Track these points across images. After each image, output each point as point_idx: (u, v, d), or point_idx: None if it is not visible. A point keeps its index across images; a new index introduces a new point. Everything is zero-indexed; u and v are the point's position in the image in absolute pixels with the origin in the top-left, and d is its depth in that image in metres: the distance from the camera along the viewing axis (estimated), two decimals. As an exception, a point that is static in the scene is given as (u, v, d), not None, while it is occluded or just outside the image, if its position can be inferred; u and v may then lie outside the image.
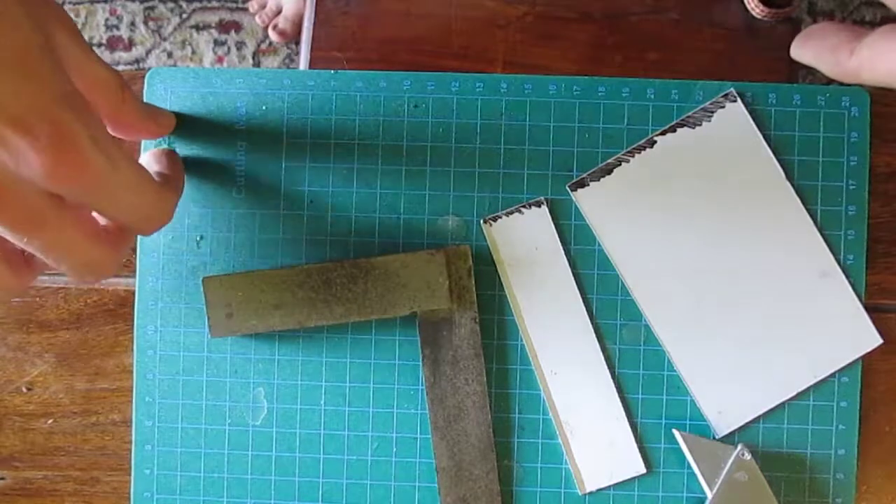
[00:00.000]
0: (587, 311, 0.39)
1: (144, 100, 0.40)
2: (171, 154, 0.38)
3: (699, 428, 0.39)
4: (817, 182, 0.39)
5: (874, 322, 0.39)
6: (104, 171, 0.26)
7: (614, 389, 0.39)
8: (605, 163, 0.39)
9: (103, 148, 0.26)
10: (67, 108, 0.25)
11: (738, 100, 0.39)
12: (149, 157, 0.37)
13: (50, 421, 0.41)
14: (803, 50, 0.30)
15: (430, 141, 0.40)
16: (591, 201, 0.39)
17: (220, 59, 1.09)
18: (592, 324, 0.39)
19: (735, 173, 0.39)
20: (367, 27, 0.53)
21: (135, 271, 0.40)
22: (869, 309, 0.39)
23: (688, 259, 0.39)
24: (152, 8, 1.09)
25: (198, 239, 0.40)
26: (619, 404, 0.39)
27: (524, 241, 0.39)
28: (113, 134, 0.33)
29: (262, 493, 0.39)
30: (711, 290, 0.39)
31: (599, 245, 0.39)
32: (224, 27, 1.10)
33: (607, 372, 0.39)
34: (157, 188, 0.31)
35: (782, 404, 0.39)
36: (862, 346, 0.39)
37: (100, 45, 1.10)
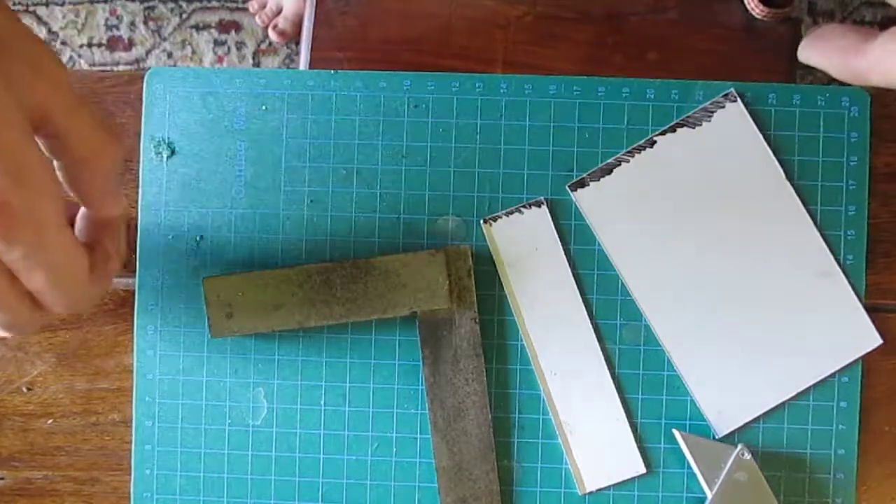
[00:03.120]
0: (587, 311, 0.39)
1: (144, 101, 0.40)
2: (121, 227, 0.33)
3: (699, 428, 0.39)
4: (817, 182, 0.39)
5: (874, 322, 0.39)
6: (29, 244, 0.25)
7: (614, 389, 0.39)
8: (605, 163, 0.39)
9: (36, 222, 0.25)
10: (3, 173, 0.24)
11: (738, 100, 0.39)
12: (88, 222, 0.33)
13: (50, 421, 0.41)
14: (811, 52, 0.30)
15: (430, 141, 0.40)
16: (591, 201, 0.39)
17: (220, 59, 1.09)
18: (592, 324, 0.39)
19: (735, 173, 0.39)
20: (367, 27, 0.53)
21: (135, 271, 0.40)
22: (869, 309, 0.39)
23: (688, 259, 0.39)
24: (152, 8, 1.09)
25: (198, 239, 0.40)
26: (619, 404, 0.39)
27: (524, 241, 0.39)
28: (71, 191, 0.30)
29: (262, 493, 0.39)
30: (711, 289, 0.39)
31: (599, 245, 0.39)
32: (224, 27, 1.10)
33: (607, 372, 0.39)
34: (82, 278, 0.29)
35: (782, 404, 0.39)
36: (862, 346, 0.39)
37: (100, 45, 1.10)
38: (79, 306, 0.30)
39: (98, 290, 0.32)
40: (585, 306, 0.39)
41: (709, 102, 0.39)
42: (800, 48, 0.30)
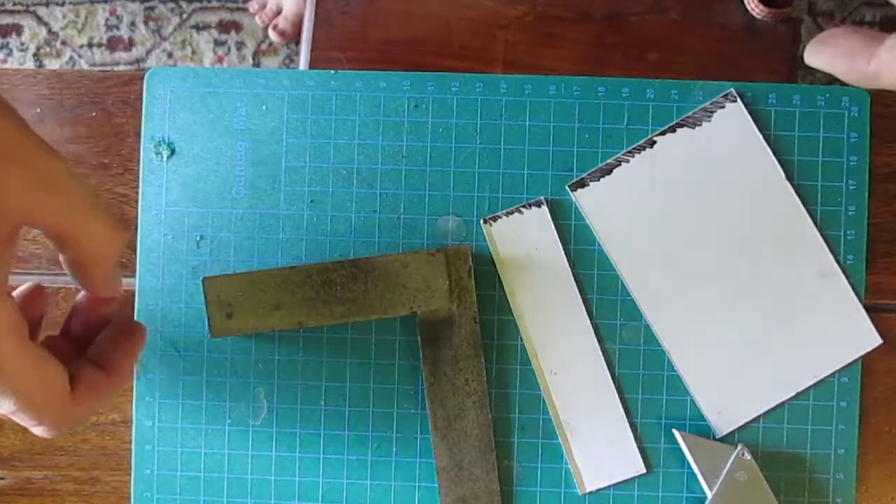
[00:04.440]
0: (587, 311, 0.39)
1: (144, 101, 0.40)
2: (122, 345, 0.33)
3: (699, 428, 0.39)
4: (817, 182, 0.39)
5: (874, 322, 0.39)
6: None
7: (614, 389, 0.39)
8: (605, 163, 0.39)
9: None
10: None
11: (738, 100, 0.39)
12: (101, 338, 0.33)
13: (50, 421, 0.41)
14: (818, 56, 0.30)
15: (430, 141, 0.40)
16: (591, 201, 0.39)
17: (220, 59, 1.09)
18: (592, 324, 0.39)
19: (735, 173, 0.39)
20: (367, 27, 0.53)
21: (135, 271, 0.40)
22: (869, 309, 0.39)
23: (688, 259, 0.39)
24: (152, 8, 1.09)
25: (198, 239, 0.40)
26: (619, 404, 0.39)
27: (524, 241, 0.39)
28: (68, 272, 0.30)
29: (262, 493, 0.39)
30: (711, 289, 0.39)
31: (599, 245, 0.39)
32: (224, 27, 1.10)
33: (607, 372, 0.39)
34: (56, 400, 0.28)
35: (782, 404, 0.39)
36: (862, 346, 0.39)
37: (100, 45, 1.10)
38: (61, 427, 0.29)
39: (85, 410, 0.30)
40: (585, 306, 0.39)
41: (709, 102, 0.39)
42: (806, 52, 0.30)
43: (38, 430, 0.28)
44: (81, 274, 0.29)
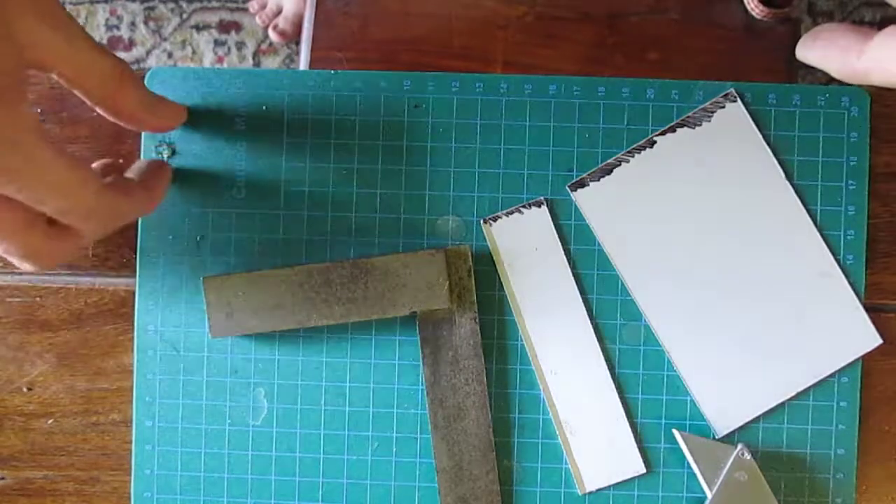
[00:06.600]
0: (587, 311, 0.39)
1: (144, 100, 0.40)
2: (154, 167, 0.37)
3: (699, 428, 0.39)
4: (817, 182, 0.39)
5: (874, 322, 0.39)
6: (20, 171, 0.27)
7: (614, 389, 0.39)
8: (605, 163, 0.39)
9: (21, 148, 0.26)
10: None
11: (738, 100, 0.39)
12: (135, 166, 0.37)
13: (50, 421, 0.41)
14: (810, 51, 0.30)
15: (430, 141, 0.40)
16: (591, 201, 0.39)
17: (220, 59, 1.09)
18: (592, 324, 0.39)
19: (735, 173, 0.39)
20: (367, 27, 0.53)
21: (135, 271, 0.40)
22: (869, 309, 0.39)
23: (687, 259, 0.39)
24: (152, 8, 1.09)
25: (198, 239, 0.40)
26: (619, 404, 0.39)
27: (524, 241, 0.39)
28: (113, 120, 0.33)
29: (262, 493, 0.39)
30: (711, 289, 0.39)
31: (599, 245, 0.39)
32: (224, 27, 1.10)
33: (607, 372, 0.39)
34: (96, 194, 0.30)
35: (782, 404, 0.39)
36: (862, 346, 0.39)
37: (100, 45, 1.10)
38: (90, 221, 0.31)
39: (115, 209, 0.32)
40: (585, 306, 0.39)
41: (709, 102, 0.39)
42: (798, 47, 0.30)
43: (70, 220, 0.30)
44: (100, 108, 0.32)
